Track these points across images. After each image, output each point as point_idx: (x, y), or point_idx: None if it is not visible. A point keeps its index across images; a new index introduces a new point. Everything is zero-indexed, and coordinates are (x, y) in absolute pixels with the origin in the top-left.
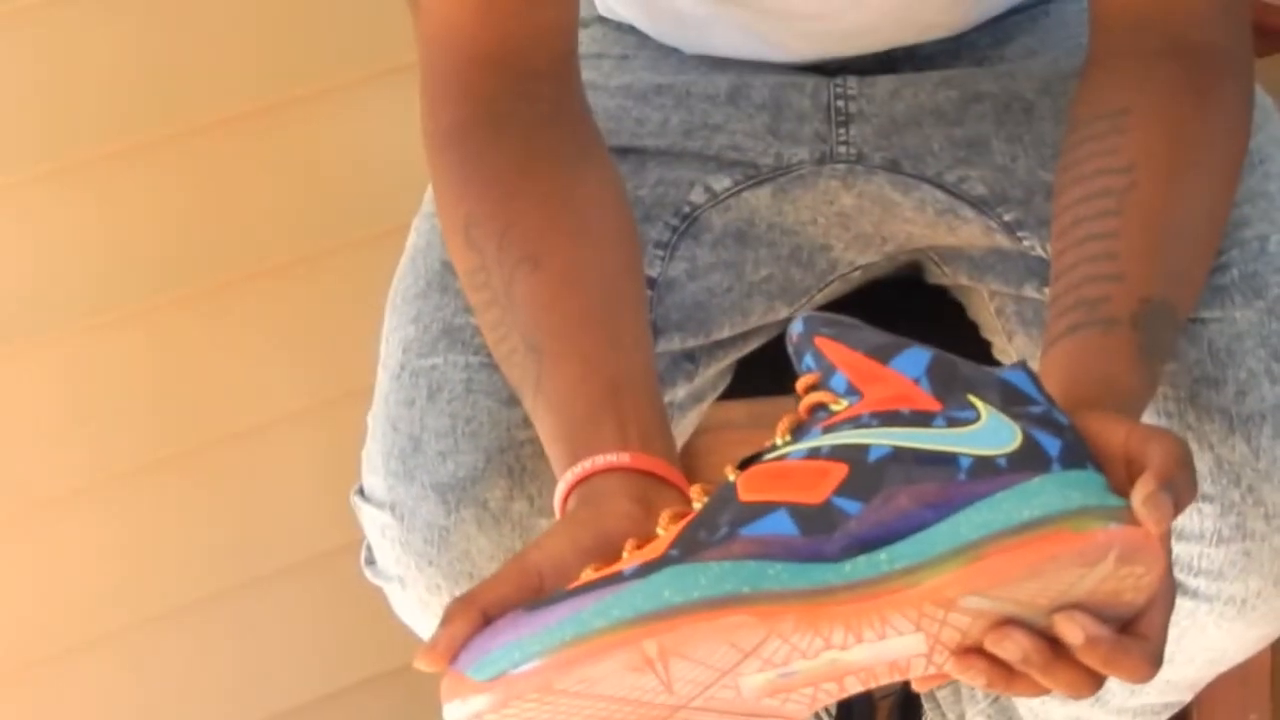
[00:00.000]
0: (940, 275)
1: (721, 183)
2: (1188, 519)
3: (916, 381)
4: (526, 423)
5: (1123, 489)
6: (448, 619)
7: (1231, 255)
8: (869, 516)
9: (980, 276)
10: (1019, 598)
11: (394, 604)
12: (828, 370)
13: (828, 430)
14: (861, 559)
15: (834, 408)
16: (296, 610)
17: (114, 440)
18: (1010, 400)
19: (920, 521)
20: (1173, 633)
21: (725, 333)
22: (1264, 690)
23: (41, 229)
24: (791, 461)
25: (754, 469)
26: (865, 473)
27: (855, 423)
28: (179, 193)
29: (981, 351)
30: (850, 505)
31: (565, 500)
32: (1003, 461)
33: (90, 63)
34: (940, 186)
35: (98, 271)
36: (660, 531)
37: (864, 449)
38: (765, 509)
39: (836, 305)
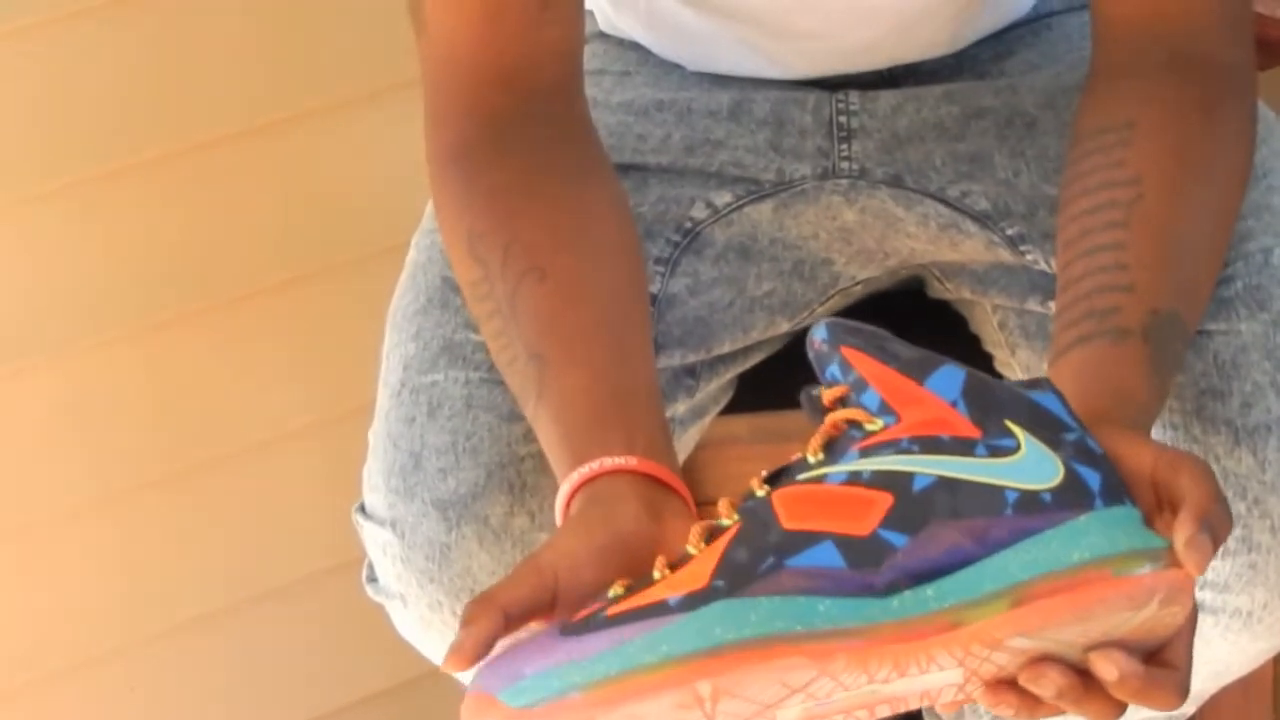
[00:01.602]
0: (942, 290)
1: (723, 198)
2: None
3: (954, 405)
4: (527, 438)
5: (1152, 516)
6: (469, 619)
7: (1236, 268)
8: (915, 550)
9: (983, 291)
10: (1062, 638)
11: (395, 621)
12: (858, 384)
13: (865, 453)
14: (909, 594)
15: (869, 427)
16: (297, 628)
17: (114, 458)
18: (1045, 426)
19: (966, 556)
20: None
21: (726, 348)
22: (1266, 702)
23: (41, 248)
24: (832, 486)
25: (793, 491)
26: (911, 504)
27: (895, 447)
28: (179, 211)
29: (984, 365)
30: (897, 538)
31: (569, 502)
32: (1047, 497)
33: (88, 82)
34: (943, 201)
35: (97, 290)
36: (691, 549)
37: (908, 477)
38: (811, 539)
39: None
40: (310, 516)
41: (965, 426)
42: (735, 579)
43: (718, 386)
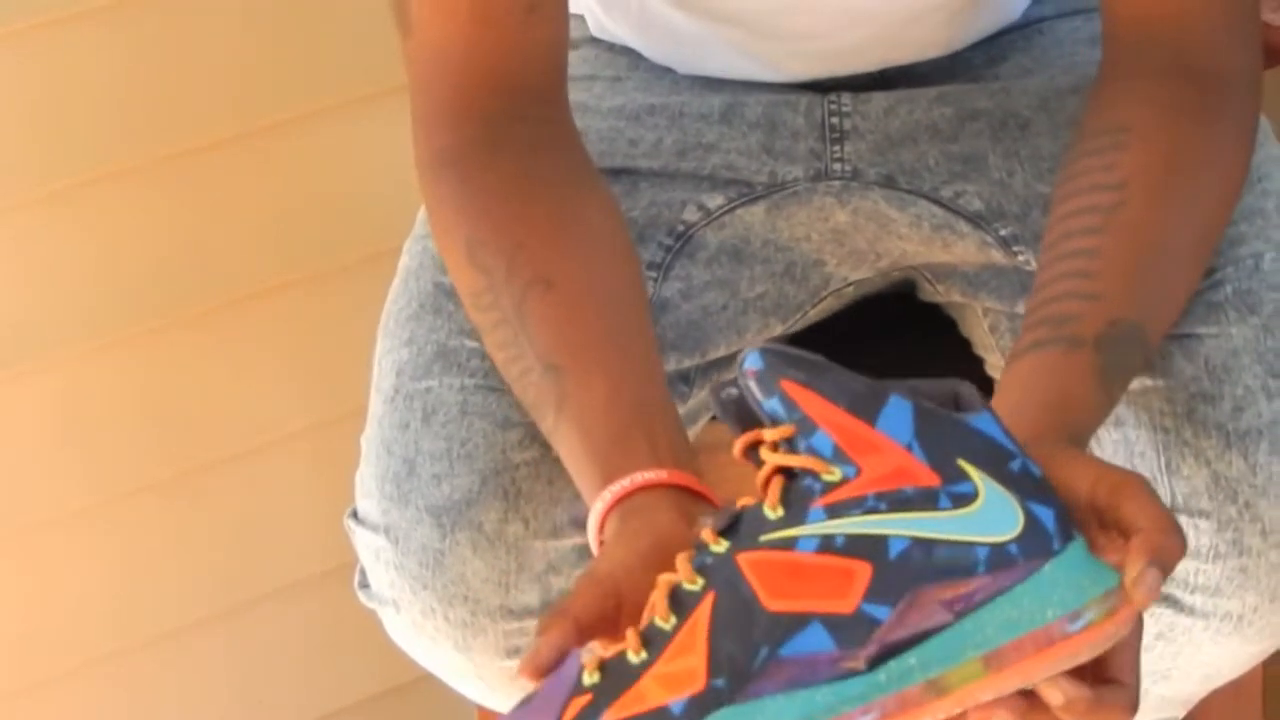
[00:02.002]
0: (933, 293)
1: (715, 200)
2: None
3: (909, 448)
4: (521, 445)
5: (1095, 539)
6: (544, 629)
7: (1227, 272)
8: (898, 622)
9: (974, 293)
10: (1028, 682)
11: (388, 627)
12: (805, 425)
13: (832, 511)
14: (893, 664)
15: (827, 478)
16: (289, 633)
17: (109, 463)
18: (991, 458)
19: (944, 621)
20: (1169, 649)
21: (720, 351)
22: (1256, 705)
23: (34, 253)
24: (807, 556)
25: (765, 560)
26: (890, 572)
27: (862, 505)
28: (171, 215)
29: (974, 368)
30: (880, 611)
31: (604, 519)
32: (1014, 549)
33: (80, 86)
34: (936, 202)
35: (90, 295)
36: (660, 623)
37: (883, 542)
38: (799, 622)
39: (829, 320)
40: (303, 521)
41: (925, 474)
42: (733, 677)
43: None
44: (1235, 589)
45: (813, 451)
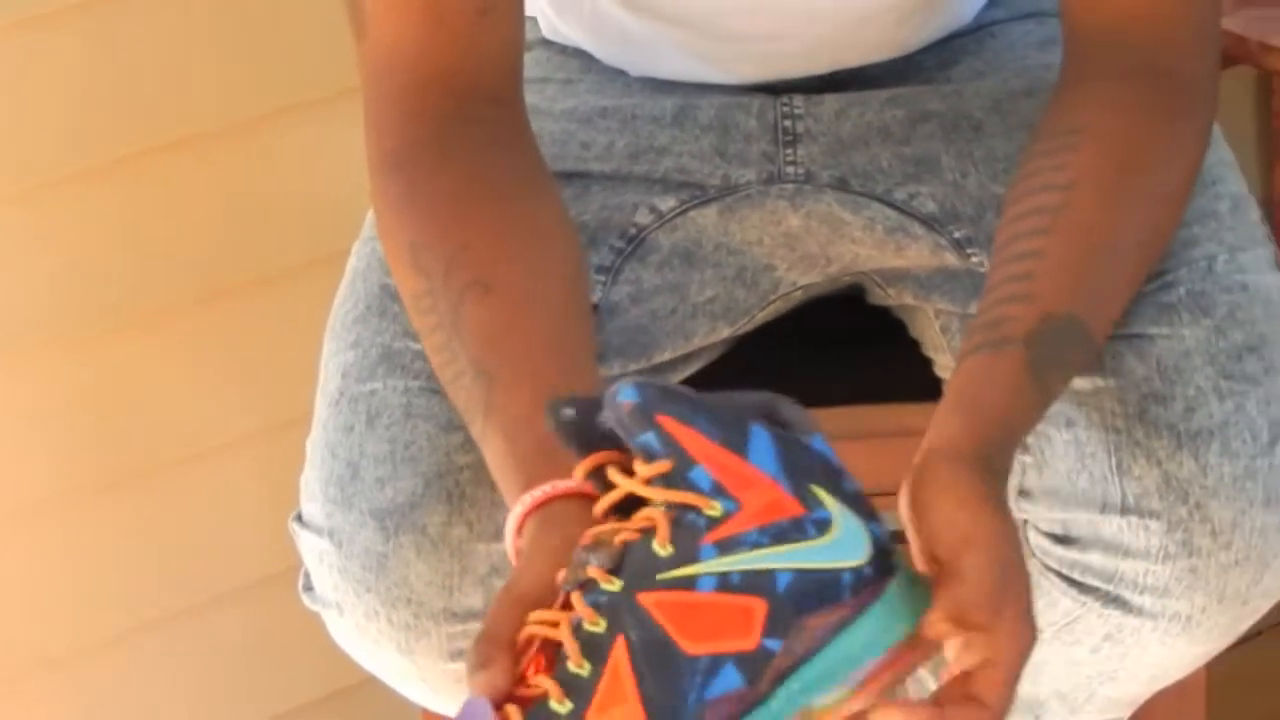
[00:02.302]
0: (883, 296)
1: (667, 203)
2: (1134, 536)
3: (777, 479)
4: (465, 448)
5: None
6: (484, 663)
7: (1180, 274)
8: (787, 652)
9: (926, 296)
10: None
11: (332, 630)
12: (683, 459)
13: (722, 548)
14: (781, 692)
15: (709, 513)
16: (236, 637)
17: (53, 465)
18: (833, 481)
19: (820, 643)
20: (1116, 650)
21: (667, 355)
22: (1199, 705)
23: None
24: (709, 596)
25: (671, 601)
26: (780, 606)
27: (748, 541)
28: (121, 219)
29: (923, 370)
30: (774, 643)
31: (521, 525)
32: (868, 571)
33: (27, 91)
34: (890, 204)
35: (34, 298)
36: (574, 669)
37: (771, 577)
38: (717, 664)
39: (777, 323)
40: (249, 525)
41: (792, 505)
42: None
43: None
44: (1184, 590)
45: (691, 486)
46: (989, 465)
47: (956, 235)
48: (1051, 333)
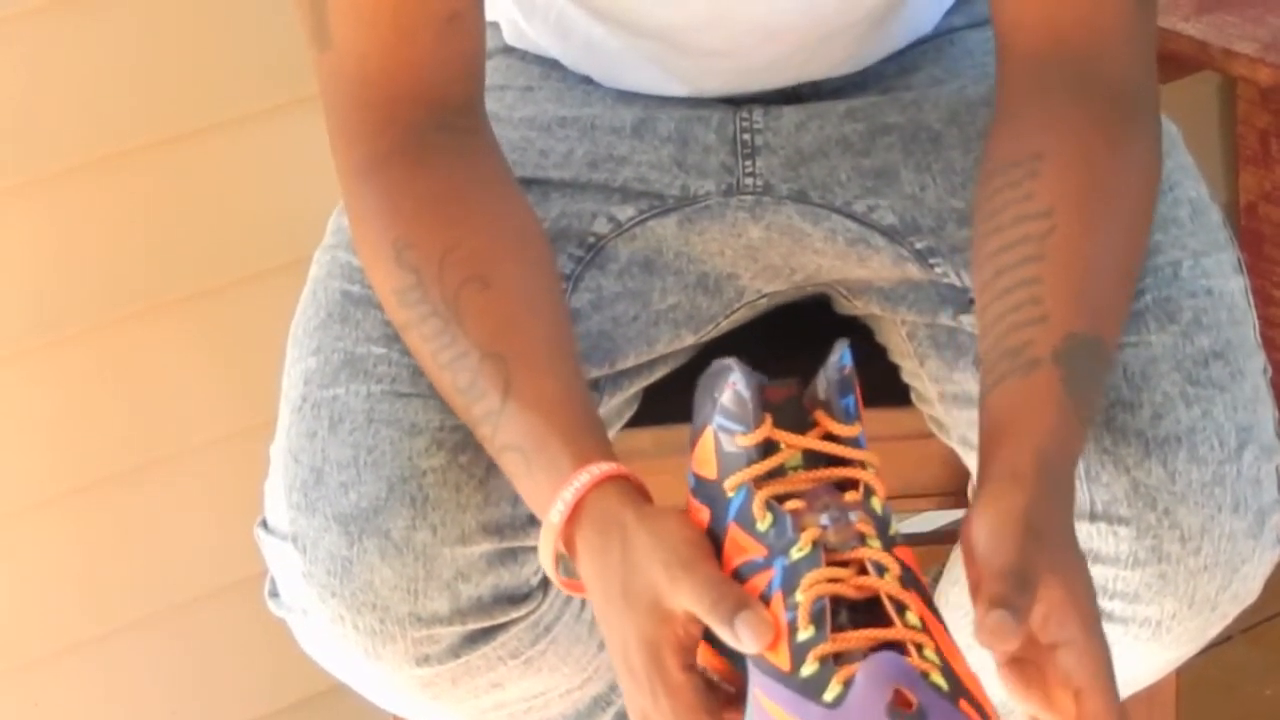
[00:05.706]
0: (850, 306)
1: (626, 212)
2: (1104, 542)
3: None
4: (429, 452)
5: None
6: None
7: (1145, 281)
8: None
9: (892, 307)
10: None
11: (298, 637)
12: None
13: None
14: None
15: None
16: (202, 644)
17: (16, 472)
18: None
19: None
20: None
21: (631, 362)
22: (1170, 710)
23: None
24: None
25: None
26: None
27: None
28: (80, 224)
29: (890, 377)
30: None
31: (585, 494)
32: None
33: (2, 94)
34: (850, 216)
35: (20, 298)
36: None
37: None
38: None
39: (742, 331)
40: (213, 531)
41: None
42: None
43: (622, 400)
44: (1154, 595)
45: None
46: (1055, 487)
47: (918, 246)
48: (1078, 349)
